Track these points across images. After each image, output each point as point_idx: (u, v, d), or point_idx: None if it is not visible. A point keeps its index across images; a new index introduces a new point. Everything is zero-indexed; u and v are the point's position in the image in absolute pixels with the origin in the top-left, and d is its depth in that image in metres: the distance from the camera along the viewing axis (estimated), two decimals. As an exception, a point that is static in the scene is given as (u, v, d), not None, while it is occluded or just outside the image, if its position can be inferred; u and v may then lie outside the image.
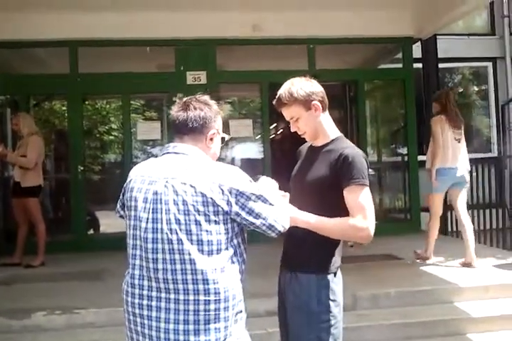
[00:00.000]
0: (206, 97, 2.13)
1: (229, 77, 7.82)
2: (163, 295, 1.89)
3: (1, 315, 4.30)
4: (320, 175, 2.31)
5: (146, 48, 7.76)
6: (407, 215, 8.26)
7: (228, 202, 1.90)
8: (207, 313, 1.86)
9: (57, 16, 6.83)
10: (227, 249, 1.93)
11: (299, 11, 7.20)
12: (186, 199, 1.87)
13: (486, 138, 10.00)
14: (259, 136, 8.44)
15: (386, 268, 5.59)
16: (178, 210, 1.88)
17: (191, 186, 1.88)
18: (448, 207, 6.37)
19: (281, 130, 11.10)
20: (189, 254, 1.86)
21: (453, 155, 5.60)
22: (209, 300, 1.86)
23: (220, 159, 2.19)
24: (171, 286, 1.88)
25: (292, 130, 2.44)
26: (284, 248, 2.47)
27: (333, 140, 2.39)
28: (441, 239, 6.37)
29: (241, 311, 1.98)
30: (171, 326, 1.86)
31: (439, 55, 8.22)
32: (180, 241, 1.87)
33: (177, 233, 1.87)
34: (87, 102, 9.34)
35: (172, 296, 1.88)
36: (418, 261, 5.83)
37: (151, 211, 1.92)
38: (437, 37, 8.07)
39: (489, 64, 9.96)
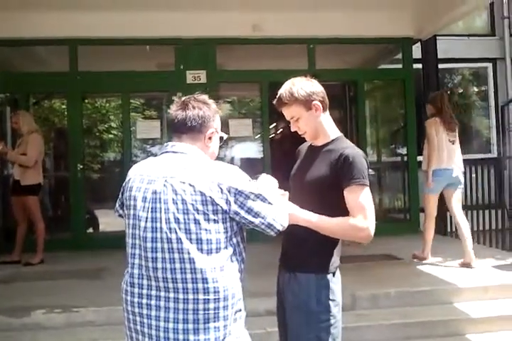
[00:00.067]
0: (205, 96, 2.14)
1: (229, 76, 7.82)
2: (162, 294, 1.89)
3: (1, 313, 4.29)
4: (320, 175, 2.31)
5: (146, 47, 7.77)
6: (406, 215, 8.26)
7: (227, 201, 1.90)
8: (206, 312, 1.87)
9: (57, 15, 6.83)
10: (226, 247, 1.93)
11: (299, 11, 7.20)
12: (185, 198, 1.88)
13: (486, 139, 10.01)
14: (259, 135, 8.44)
15: (385, 268, 5.60)
16: (177, 209, 1.88)
17: (190, 185, 1.89)
18: (447, 208, 6.37)
19: (281, 129, 11.10)
20: (188, 253, 1.86)
21: (448, 156, 5.67)
22: (208, 299, 1.87)
23: (219, 158, 2.20)
24: (171, 285, 1.88)
25: (292, 130, 2.44)
26: (283, 247, 2.47)
27: (333, 140, 2.39)
28: (440, 239, 6.39)
29: (240, 310, 1.98)
30: (171, 325, 1.86)
31: (439, 56, 8.21)
32: (179, 240, 1.87)
33: (176, 232, 1.87)
34: (86, 101, 9.35)
35: (171, 295, 1.88)
36: (415, 260, 5.85)
37: (150, 210, 1.92)
38: (437, 37, 8.07)
39: (489, 65, 9.96)
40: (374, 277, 5.23)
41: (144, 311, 1.91)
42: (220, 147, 2.21)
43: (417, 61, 8.13)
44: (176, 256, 1.87)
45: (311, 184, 2.34)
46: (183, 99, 2.11)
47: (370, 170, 2.37)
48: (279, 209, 2.01)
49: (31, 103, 8.42)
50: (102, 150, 10.96)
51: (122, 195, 2.10)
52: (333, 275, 2.33)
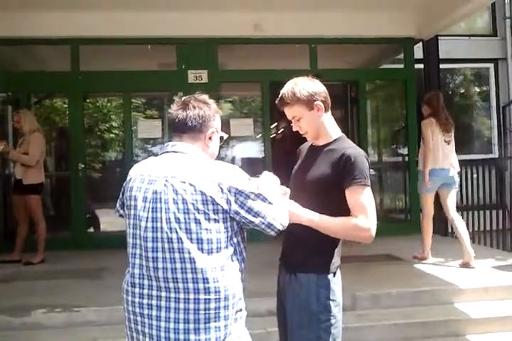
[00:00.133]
0: (205, 96, 2.14)
1: (230, 76, 7.82)
2: (163, 294, 1.89)
3: (1, 313, 4.30)
4: (321, 174, 2.31)
5: (148, 47, 7.77)
6: (407, 215, 8.26)
7: (227, 201, 1.90)
8: (207, 312, 1.87)
9: (58, 14, 6.84)
10: (226, 247, 1.93)
11: (300, 11, 7.20)
12: (186, 197, 1.88)
13: (487, 140, 9.99)
14: (260, 135, 8.44)
15: (386, 269, 5.60)
16: (178, 209, 1.88)
17: (191, 185, 1.89)
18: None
19: (282, 129, 11.10)
20: (189, 253, 1.86)
21: (443, 156, 5.74)
22: (209, 299, 1.87)
23: (220, 158, 2.20)
24: (171, 285, 1.88)
25: (294, 129, 2.44)
26: (283, 247, 2.47)
27: (335, 140, 2.39)
28: (441, 239, 6.40)
29: (241, 309, 1.98)
30: (172, 325, 1.86)
31: (441, 56, 8.20)
32: (180, 240, 1.87)
33: (177, 232, 1.87)
34: (88, 100, 9.34)
35: (172, 295, 1.88)
36: (415, 260, 5.86)
37: (150, 210, 1.92)
38: (439, 38, 8.06)
39: (491, 65, 9.95)
40: (374, 277, 5.23)
41: (145, 311, 1.91)
42: (221, 147, 2.21)
43: (418, 61, 8.13)
44: (177, 255, 1.87)
45: (312, 183, 2.33)
46: (184, 98, 2.11)
47: (371, 170, 2.37)
48: (279, 208, 2.01)
49: (33, 102, 8.41)
50: (103, 149, 10.94)
51: (123, 194, 2.10)
52: (334, 276, 2.33)
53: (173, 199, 1.89)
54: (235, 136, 7.87)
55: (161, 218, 1.89)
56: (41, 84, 7.54)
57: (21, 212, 6.35)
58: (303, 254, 2.34)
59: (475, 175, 6.72)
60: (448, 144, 5.77)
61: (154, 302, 1.90)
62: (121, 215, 2.15)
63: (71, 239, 7.32)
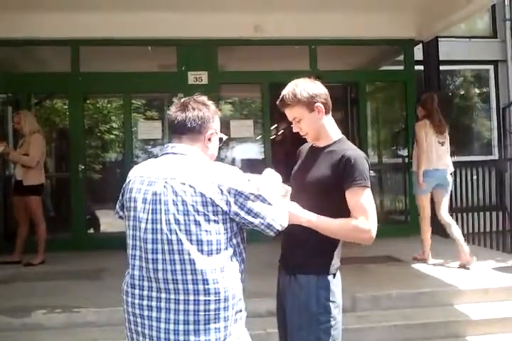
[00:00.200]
0: (204, 98, 2.14)
1: (230, 77, 7.82)
2: (163, 295, 1.89)
3: (1, 314, 4.30)
4: (321, 176, 2.31)
5: (148, 48, 7.77)
6: (407, 217, 8.25)
7: (227, 202, 1.90)
8: (207, 313, 1.87)
9: (58, 15, 6.83)
10: (226, 248, 1.93)
11: (300, 12, 7.20)
12: (185, 199, 1.88)
13: (487, 141, 9.99)
14: (260, 136, 8.44)
15: (386, 270, 5.60)
16: (178, 210, 1.88)
17: (190, 186, 1.89)
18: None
19: (282, 131, 11.10)
20: (189, 254, 1.86)
21: (437, 157, 5.79)
22: (209, 300, 1.87)
23: (220, 159, 2.20)
24: (171, 286, 1.88)
25: (294, 130, 2.44)
26: (282, 248, 2.47)
27: (335, 141, 2.40)
28: (441, 241, 6.38)
29: (241, 310, 1.98)
30: (171, 326, 1.86)
31: (441, 58, 8.20)
32: (179, 242, 1.87)
33: (177, 233, 1.87)
34: (88, 101, 9.33)
35: (172, 296, 1.88)
36: (415, 261, 5.86)
37: (150, 211, 1.93)
38: (439, 39, 8.06)
39: (491, 67, 9.94)
40: (374, 278, 5.23)
41: (145, 312, 1.91)
42: (220, 148, 2.21)
43: (418, 63, 8.13)
44: (177, 257, 1.87)
45: (312, 184, 2.33)
46: (183, 100, 2.11)
47: (371, 172, 2.37)
48: (278, 209, 2.01)
49: (33, 103, 8.41)
50: (104, 150, 10.94)
51: (122, 196, 2.10)
52: (334, 277, 2.33)
53: (173, 200, 1.89)
54: (235, 137, 7.88)
55: (161, 219, 1.90)
56: (41, 85, 7.54)
57: (21, 213, 6.34)
58: (302, 255, 2.34)
59: (475, 177, 6.73)
60: (442, 145, 5.82)
61: (154, 303, 1.90)
62: (120, 217, 2.14)
63: (71, 240, 7.32)
